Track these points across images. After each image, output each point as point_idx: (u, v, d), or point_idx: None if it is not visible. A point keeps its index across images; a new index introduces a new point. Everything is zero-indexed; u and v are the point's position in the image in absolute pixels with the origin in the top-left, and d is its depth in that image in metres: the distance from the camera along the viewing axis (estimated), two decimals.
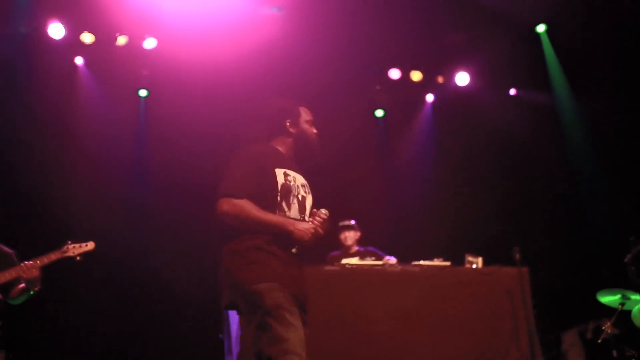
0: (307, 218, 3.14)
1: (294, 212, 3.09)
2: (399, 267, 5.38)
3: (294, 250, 3.01)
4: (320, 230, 3.01)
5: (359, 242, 6.44)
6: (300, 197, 3.14)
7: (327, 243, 6.49)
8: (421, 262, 5.54)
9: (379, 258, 5.92)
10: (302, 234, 2.96)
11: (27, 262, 4.10)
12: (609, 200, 7.71)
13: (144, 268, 6.94)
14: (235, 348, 4.96)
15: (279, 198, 3.04)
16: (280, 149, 3.27)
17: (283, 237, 2.97)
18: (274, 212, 3.02)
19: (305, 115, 3.35)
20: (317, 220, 3.03)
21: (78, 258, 4.23)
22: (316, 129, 3.36)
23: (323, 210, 3.07)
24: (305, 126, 3.32)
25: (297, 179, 3.16)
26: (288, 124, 3.30)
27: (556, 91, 8.24)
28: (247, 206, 2.96)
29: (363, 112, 8.50)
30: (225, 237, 3.06)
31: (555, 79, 8.17)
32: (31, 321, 6.14)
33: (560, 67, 8.08)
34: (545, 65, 8.15)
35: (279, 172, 3.09)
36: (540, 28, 8.06)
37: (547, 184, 8.07)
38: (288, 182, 3.09)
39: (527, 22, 7.92)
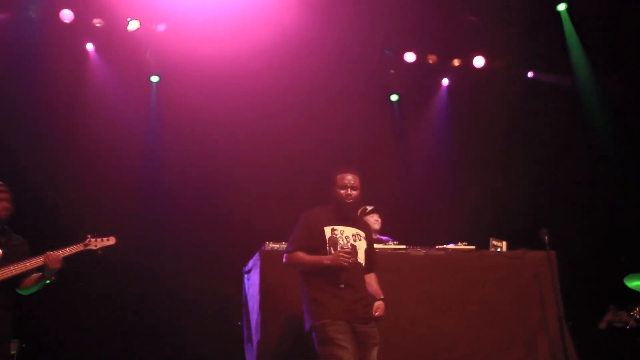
0: (360, 259, 4.10)
1: None
2: (423, 251, 5.22)
3: (342, 286, 3.95)
4: (347, 254, 3.97)
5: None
6: (349, 244, 4.08)
7: None
8: (445, 246, 5.38)
9: None
10: (335, 261, 3.93)
11: (51, 252, 4.03)
12: (633, 183, 7.52)
13: (158, 254, 6.85)
14: (256, 336, 4.84)
15: (327, 247, 4.05)
16: (333, 208, 4.21)
17: (332, 277, 3.98)
18: None
19: (339, 180, 4.18)
20: (340, 251, 4.00)
21: (99, 252, 4.21)
22: (353, 189, 4.17)
23: (344, 247, 4.04)
24: (337, 190, 4.17)
25: (345, 231, 4.13)
26: (330, 189, 4.23)
27: (577, 72, 8.03)
28: (297, 256, 4.07)
29: (378, 97, 8.36)
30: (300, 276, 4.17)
31: (577, 59, 7.96)
32: (44, 313, 6.05)
33: (581, 47, 7.87)
34: (565, 45, 7.95)
35: (327, 229, 4.10)
36: (561, 7, 7.84)
37: (569, 167, 7.88)
38: (334, 236, 4.08)
39: (546, 1, 7.72)
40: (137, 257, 6.74)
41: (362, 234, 4.21)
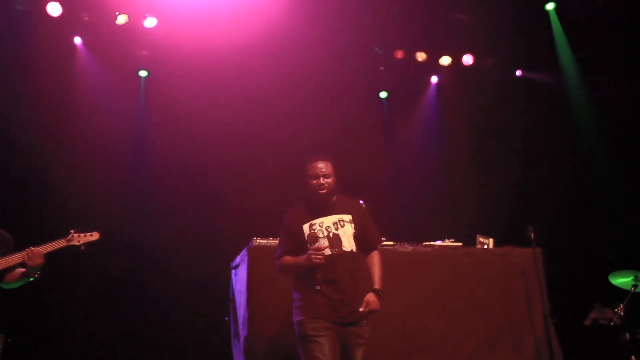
0: (345, 247, 3.95)
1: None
2: (410, 248, 5.25)
3: (317, 288, 3.85)
4: (319, 251, 3.86)
5: None
6: (331, 234, 3.94)
7: None
8: (432, 242, 5.41)
9: None
10: (309, 261, 3.84)
11: (33, 248, 3.95)
12: (619, 181, 7.59)
13: (145, 251, 6.81)
14: (243, 332, 4.84)
15: (308, 245, 3.93)
16: (310, 202, 4.07)
17: (311, 276, 3.90)
18: None
19: (310, 170, 4.02)
20: (312, 249, 3.89)
21: (82, 248, 4.14)
22: (326, 177, 4.01)
23: (317, 244, 3.91)
24: (308, 181, 4.02)
25: (325, 222, 3.97)
26: (303, 182, 4.08)
27: (564, 71, 8.09)
28: (283, 261, 4.06)
29: (367, 94, 8.36)
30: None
31: (564, 58, 8.02)
32: (31, 306, 6.01)
33: (569, 46, 7.93)
34: (553, 44, 8.01)
35: (305, 227, 3.98)
36: (549, 6, 7.90)
37: (556, 166, 7.94)
38: (313, 231, 3.95)
39: (535, 0, 7.77)
40: (123, 254, 6.71)
41: (347, 217, 4.01)
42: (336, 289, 3.85)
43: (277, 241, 4.70)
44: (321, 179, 3.98)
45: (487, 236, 5.67)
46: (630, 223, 7.11)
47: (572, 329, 5.95)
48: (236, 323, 5.07)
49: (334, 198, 4.06)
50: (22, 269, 4.03)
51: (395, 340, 4.90)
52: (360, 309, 3.85)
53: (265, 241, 4.99)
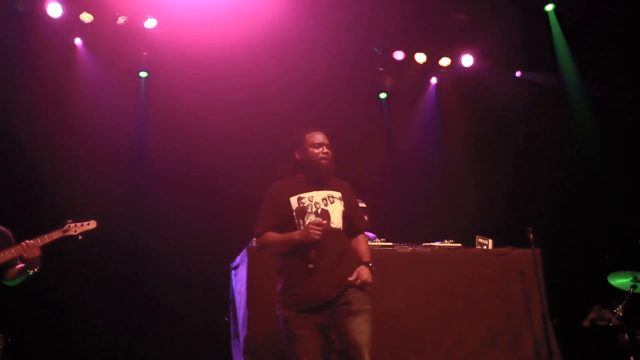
0: (334, 224, 3.68)
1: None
2: (410, 248, 5.26)
3: (310, 266, 3.52)
4: (318, 225, 3.55)
5: None
6: (319, 210, 3.65)
7: None
8: (431, 243, 5.42)
9: None
10: (305, 235, 3.55)
11: (28, 241, 3.94)
12: (617, 182, 7.61)
13: (145, 251, 6.83)
14: (242, 332, 4.85)
15: (296, 220, 3.66)
16: (300, 176, 3.78)
17: (302, 255, 3.58)
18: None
19: (311, 139, 3.74)
20: (311, 223, 3.58)
21: (80, 237, 4.09)
22: (328, 148, 3.75)
23: (313, 219, 3.61)
24: (310, 150, 3.72)
25: (315, 197, 3.69)
26: (296, 153, 3.78)
27: (563, 72, 8.12)
28: (267, 237, 3.70)
29: (367, 94, 8.38)
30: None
31: (563, 59, 8.05)
32: (31, 306, 6.02)
33: (568, 47, 7.96)
34: (552, 45, 8.03)
35: (293, 200, 3.69)
36: (549, 7, 7.92)
37: (555, 166, 7.96)
38: (302, 204, 3.67)
39: (534, 1, 7.79)
40: (123, 255, 6.72)
41: (337, 194, 3.74)
42: (323, 266, 3.56)
43: None
44: (324, 147, 3.72)
45: (486, 237, 5.68)
46: (628, 224, 7.13)
47: (570, 330, 5.97)
48: (236, 324, 5.07)
49: (326, 175, 3.77)
50: (22, 264, 4.02)
51: (394, 339, 4.89)
52: (350, 279, 3.56)
53: None
